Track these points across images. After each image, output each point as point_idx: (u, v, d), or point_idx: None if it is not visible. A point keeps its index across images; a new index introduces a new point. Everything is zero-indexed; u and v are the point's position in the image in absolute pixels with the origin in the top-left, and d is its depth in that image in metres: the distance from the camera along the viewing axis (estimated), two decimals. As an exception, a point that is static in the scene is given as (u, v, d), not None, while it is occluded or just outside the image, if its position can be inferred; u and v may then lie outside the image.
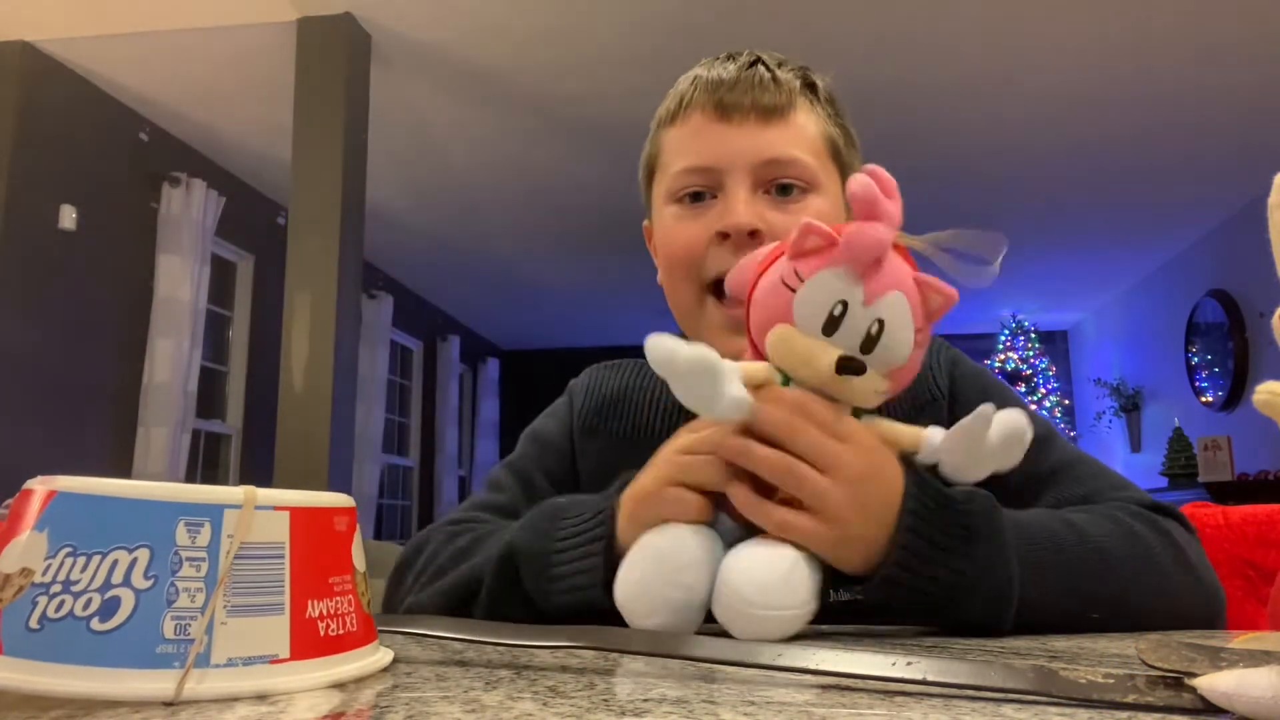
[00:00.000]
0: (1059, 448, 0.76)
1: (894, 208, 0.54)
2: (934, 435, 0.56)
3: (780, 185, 0.76)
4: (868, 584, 0.56)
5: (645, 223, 0.88)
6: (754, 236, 0.73)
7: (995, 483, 0.60)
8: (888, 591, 0.56)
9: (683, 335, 0.82)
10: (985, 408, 0.53)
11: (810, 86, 0.80)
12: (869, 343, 0.54)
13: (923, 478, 0.57)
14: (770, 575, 0.52)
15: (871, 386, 0.56)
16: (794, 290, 0.55)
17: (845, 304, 0.53)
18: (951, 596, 0.56)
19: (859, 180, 0.53)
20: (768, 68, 0.78)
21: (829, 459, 0.54)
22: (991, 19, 3.27)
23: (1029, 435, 0.55)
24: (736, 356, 0.62)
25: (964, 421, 0.54)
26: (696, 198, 0.78)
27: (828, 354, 0.54)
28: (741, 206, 0.74)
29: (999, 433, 0.54)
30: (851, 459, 0.55)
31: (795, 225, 0.73)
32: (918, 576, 0.55)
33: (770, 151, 0.75)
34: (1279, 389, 0.36)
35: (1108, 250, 5.99)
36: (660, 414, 0.83)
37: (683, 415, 0.79)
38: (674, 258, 0.79)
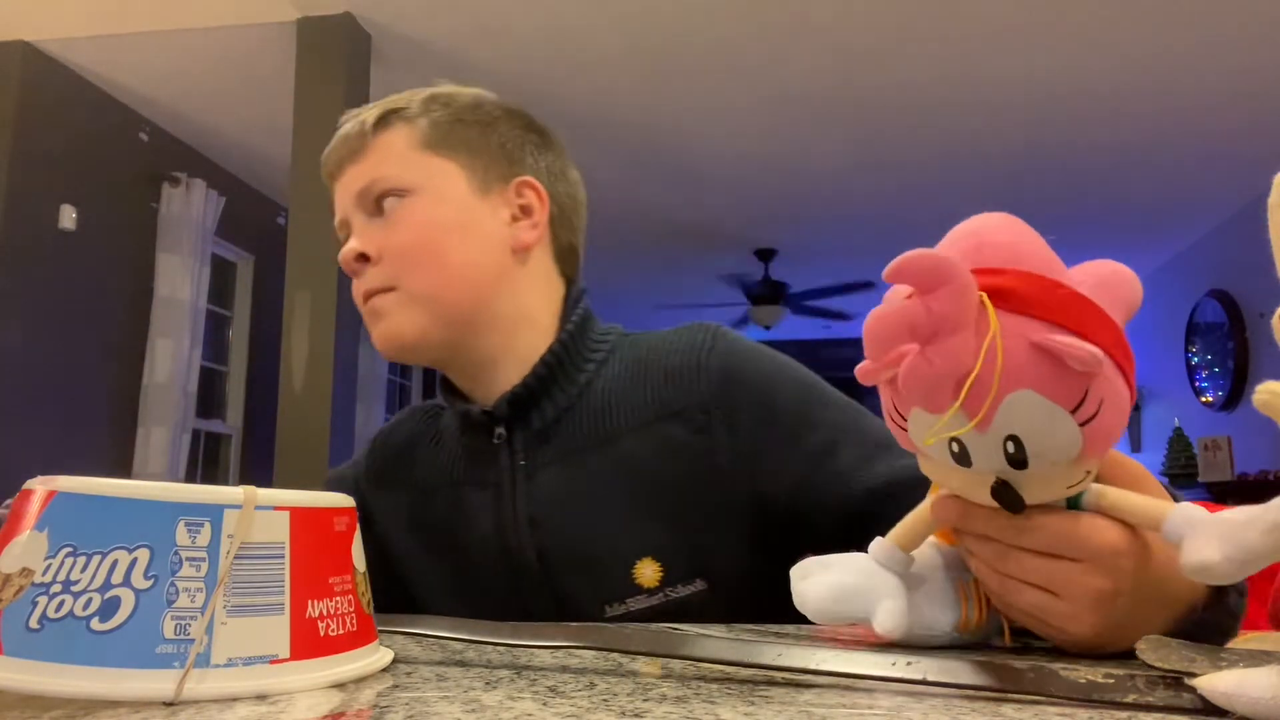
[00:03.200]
0: None
1: (941, 301, 0.39)
2: (1181, 519, 0.43)
3: (381, 204, 0.80)
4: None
5: None
6: (364, 260, 0.80)
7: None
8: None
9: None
10: (1258, 512, 0.39)
11: (396, 111, 0.82)
12: (1016, 461, 0.42)
13: (1223, 597, 0.50)
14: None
15: (1061, 484, 0.44)
16: (904, 429, 0.46)
17: (959, 441, 0.43)
18: None
19: (872, 316, 0.40)
20: (358, 118, 0.83)
21: (1062, 588, 0.46)
22: (990, 19, 3.27)
23: None
24: (384, 340, 0.76)
25: (1231, 530, 0.40)
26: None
27: (982, 485, 0.44)
28: (350, 240, 0.81)
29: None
30: (1091, 581, 0.46)
31: (394, 236, 0.79)
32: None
33: (358, 184, 0.81)
34: (1279, 389, 0.36)
35: (1108, 250, 5.95)
36: (446, 462, 0.86)
37: (464, 464, 0.83)
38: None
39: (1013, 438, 0.42)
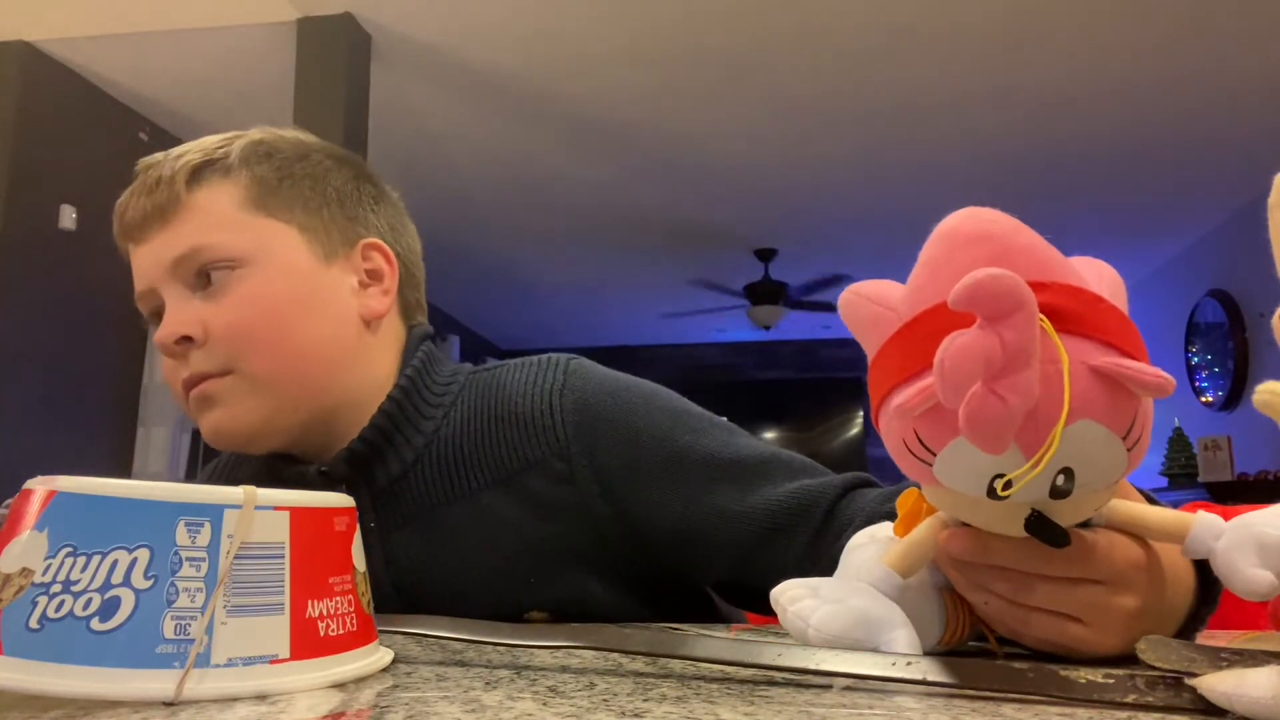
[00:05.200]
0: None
1: (1016, 330, 0.34)
2: (1206, 534, 0.43)
3: (205, 275, 0.70)
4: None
5: None
6: (188, 342, 0.70)
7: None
8: None
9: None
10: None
11: (211, 162, 0.72)
12: (1060, 492, 0.39)
13: (1208, 592, 0.49)
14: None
15: (1091, 508, 0.42)
16: (928, 463, 0.40)
17: (1006, 478, 0.38)
18: None
19: (949, 353, 0.34)
20: (159, 169, 0.73)
21: (1088, 613, 0.44)
22: (989, 20, 3.27)
23: None
24: (217, 431, 0.67)
25: (1271, 545, 0.41)
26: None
27: (1012, 518, 0.41)
28: (167, 319, 0.71)
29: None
30: (1118, 602, 0.44)
31: (225, 315, 0.69)
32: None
33: (175, 250, 0.70)
34: (1279, 389, 0.36)
35: (1107, 250, 5.97)
36: None
37: None
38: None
39: (1065, 469, 0.38)
